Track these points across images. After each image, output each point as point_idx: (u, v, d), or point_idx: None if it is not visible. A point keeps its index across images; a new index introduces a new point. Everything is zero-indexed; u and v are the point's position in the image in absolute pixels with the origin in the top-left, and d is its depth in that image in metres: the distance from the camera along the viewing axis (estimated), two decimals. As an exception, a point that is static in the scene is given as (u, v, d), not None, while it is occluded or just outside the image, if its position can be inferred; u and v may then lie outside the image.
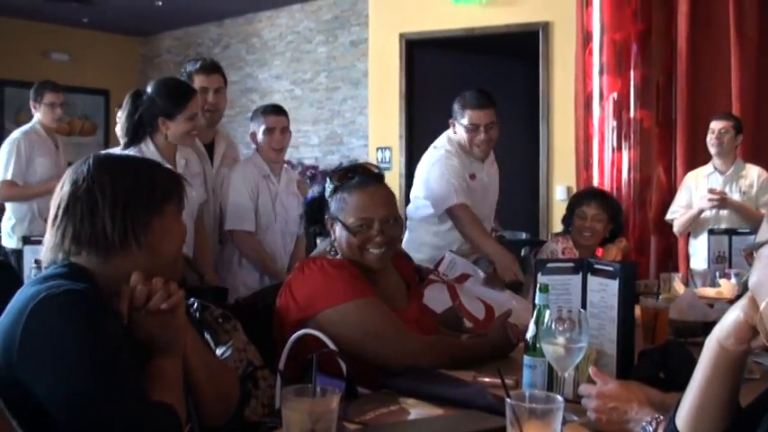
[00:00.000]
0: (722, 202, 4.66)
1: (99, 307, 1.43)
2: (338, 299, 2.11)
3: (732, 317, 1.20)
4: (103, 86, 11.41)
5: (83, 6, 10.00)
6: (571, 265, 2.07)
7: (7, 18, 10.42)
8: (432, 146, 3.83)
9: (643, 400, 1.61)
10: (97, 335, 1.39)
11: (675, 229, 4.96)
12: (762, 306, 1.14)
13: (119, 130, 3.50)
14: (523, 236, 6.33)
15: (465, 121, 3.61)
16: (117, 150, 3.40)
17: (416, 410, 1.76)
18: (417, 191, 3.79)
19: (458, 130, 3.67)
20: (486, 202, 3.80)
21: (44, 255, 1.56)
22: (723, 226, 4.53)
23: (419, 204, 3.76)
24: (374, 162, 7.52)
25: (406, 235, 3.79)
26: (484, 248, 3.48)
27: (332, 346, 1.89)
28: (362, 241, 2.18)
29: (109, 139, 11.42)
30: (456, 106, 3.68)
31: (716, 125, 4.82)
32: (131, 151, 3.22)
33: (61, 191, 1.54)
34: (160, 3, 9.79)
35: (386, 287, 2.29)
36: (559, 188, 6.64)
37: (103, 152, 1.61)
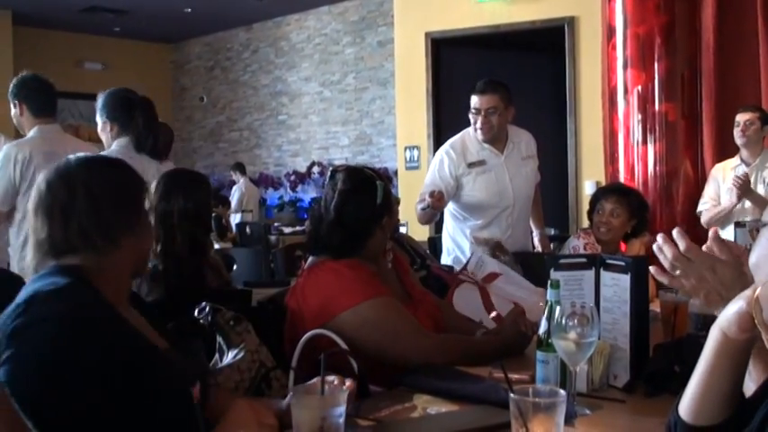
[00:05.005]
0: (745, 185, 4.62)
1: (89, 323, 1.45)
2: (356, 299, 2.13)
3: (735, 306, 1.22)
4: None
5: (115, 16, 10.16)
6: (584, 260, 2.08)
7: (42, 30, 10.62)
8: None
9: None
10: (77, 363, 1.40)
11: (703, 220, 4.93)
12: (758, 290, 1.16)
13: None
14: (552, 232, 6.30)
15: (471, 105, 3.90)
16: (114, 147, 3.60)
17: (431, 407, 1.79)
18: None
19: None
20: (499, 189, 3.93)
21: (27, 255, 1.59)
22: (749, 218, 4.49)
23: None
24: (403, 161, 7.62)
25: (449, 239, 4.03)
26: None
27: (343, 345, 1.92)
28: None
29: (143, 146, 11.57)
30: None
31: (741, 117, 4.79)
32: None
33: (50, 190, 1.57)
34: (189, 10, 9.92)
35: (389, 281, 2.35)
36: (588, 183, 6.61)
37: (82, 155, 1.68)
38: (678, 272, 1.49)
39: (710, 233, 1.52)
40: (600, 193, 3.72)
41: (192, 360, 1.69)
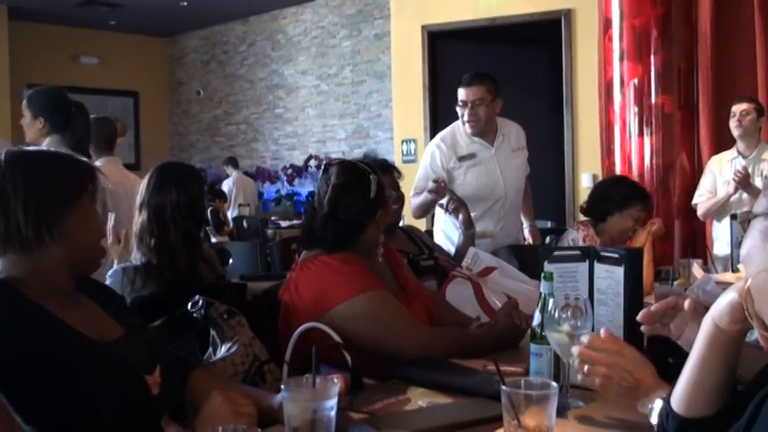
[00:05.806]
0: (745, 179, 4.62)
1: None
2: (349, 292, 2.14)
3: (728, 297, 1.22)
4: (133, 88, 11.56)
5: (111, 9, 10.13)
6: (578, 252, 2.08)
7: (38, 24, 10.59)
8: None
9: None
10: None
11: (699, 212, 4.93)
12: (748, 282, 1.16)
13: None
14: (549, 224, 6.31)
15: (458, 98, 3.91)
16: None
17: (425, 400, 1.79)
18: None
19: None
20: (490, 182, 3.95)
21: None
22: (746, 210, 4.48)
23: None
24: (399, 154, 7.62)
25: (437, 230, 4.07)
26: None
27: (337, 338, 1.92)
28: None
29: (140, 140, 11.57)
30: None
31: (737, 108, 4.79)
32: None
33: None
34: (185, 3, 9.89)
35: (382, 274, 2.34)
36: (585, 176, 6.62)
37: (16, 148, 1.62)
38: (587, 367, 1.56)
39: (602, 332, 1.62)
40: (633, 199, 3.54)
41: (149, 346, 1.67)
